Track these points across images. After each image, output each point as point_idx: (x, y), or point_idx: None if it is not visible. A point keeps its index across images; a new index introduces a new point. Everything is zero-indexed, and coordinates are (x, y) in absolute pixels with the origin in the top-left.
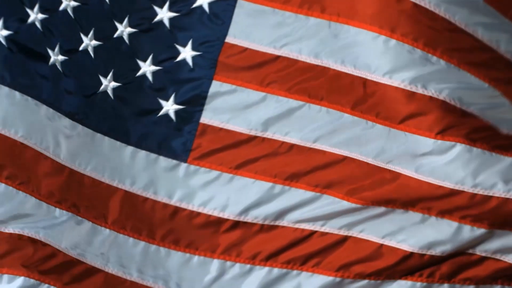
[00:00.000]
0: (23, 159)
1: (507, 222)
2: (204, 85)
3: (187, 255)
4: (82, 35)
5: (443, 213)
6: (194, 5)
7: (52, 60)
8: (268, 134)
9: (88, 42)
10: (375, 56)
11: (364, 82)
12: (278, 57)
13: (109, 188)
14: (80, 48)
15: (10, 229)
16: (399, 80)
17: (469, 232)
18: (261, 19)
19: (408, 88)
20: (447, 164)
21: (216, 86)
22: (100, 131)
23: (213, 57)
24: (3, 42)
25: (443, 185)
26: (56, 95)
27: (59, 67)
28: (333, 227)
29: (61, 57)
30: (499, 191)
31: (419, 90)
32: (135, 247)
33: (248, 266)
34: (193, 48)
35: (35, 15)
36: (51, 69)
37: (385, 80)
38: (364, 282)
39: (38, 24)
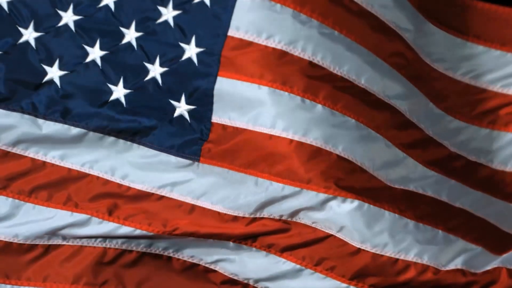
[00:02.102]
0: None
1: None
2: (210, 83)
3: (201, 239)
4: (86, 47)
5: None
6: (196, 0)
7: (48, 77)
8: (276, 132)
9: (95, 53)
10: None
11: None
12: (274, 50)
13: (119, 188)
14: (86, 61)
15: None
16: None
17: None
18: (261, 11)
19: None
20: None
21: (221, 82)
22: (110, 135)
23: (217, 53)
24: None
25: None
26: (49, 110)
27: (57, 82)
28: (345, 236)
29: (60, 73)
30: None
31: None
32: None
33: (264, 252)
34: (197, 45)
35: (29, 34)
36: (49, 86)
37: None
38: None
39: (32, 43)
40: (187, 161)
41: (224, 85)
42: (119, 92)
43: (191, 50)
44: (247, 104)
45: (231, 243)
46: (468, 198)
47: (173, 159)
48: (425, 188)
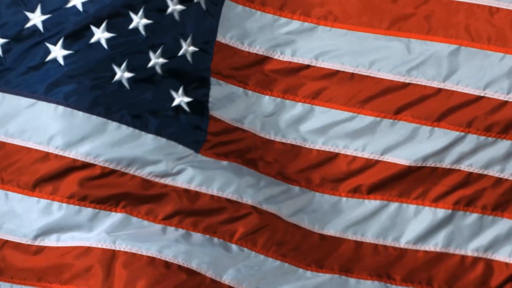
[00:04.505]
0: None
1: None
2: (205, 82)
3: (207, 236)
4: (92, 27)
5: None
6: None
7: (52, 56)
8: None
9: (101, 34)
10: None
11: None
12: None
13: (124, 176)
14: (91, 41)
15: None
16: None
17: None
18: (245, 18)
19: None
20: None
21: (213, 82)
22: (114, 119)
23: (208, 55)
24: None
25: None
26: (48, 89)
27: (61, 62)
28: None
29: (64, 52)
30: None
31: None
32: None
33: (262, 256)
34: (193, 44)
35: (36, 18)
36: (52, 65)
37: None
38: None
39: (39, 25)
40: (190, 151)
41: (216, 85)
42: (122, 74)
43: (186, 47)
44: (240, 106)
45: (233, 246)
46: None
47: (178, 147)
48: None
